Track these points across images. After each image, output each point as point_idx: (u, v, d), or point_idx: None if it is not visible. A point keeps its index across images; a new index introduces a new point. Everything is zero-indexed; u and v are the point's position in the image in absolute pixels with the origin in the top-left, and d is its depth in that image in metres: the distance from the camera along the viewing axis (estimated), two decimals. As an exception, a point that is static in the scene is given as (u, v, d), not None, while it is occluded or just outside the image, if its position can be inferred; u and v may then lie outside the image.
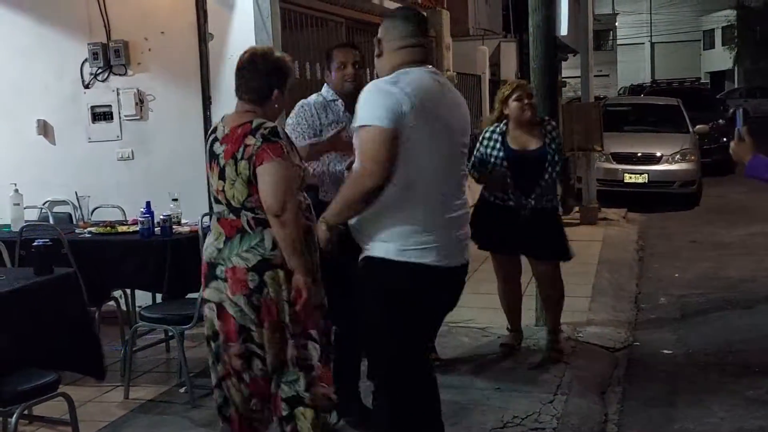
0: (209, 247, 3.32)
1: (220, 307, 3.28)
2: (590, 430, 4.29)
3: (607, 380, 5.10)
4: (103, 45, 6.15)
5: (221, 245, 3.27)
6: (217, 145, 3.27)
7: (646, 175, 12.36)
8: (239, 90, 3.31)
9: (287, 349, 3.31)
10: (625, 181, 12.39)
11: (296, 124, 4.10)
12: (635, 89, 33.78)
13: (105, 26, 6.14)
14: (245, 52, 3.34)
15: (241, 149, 3.19)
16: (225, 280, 3.25)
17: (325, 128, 4.06)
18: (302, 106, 4.14)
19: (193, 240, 4.72)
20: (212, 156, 3.29)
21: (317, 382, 3.35)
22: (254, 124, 3.21)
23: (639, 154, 12.56)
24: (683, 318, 6.57)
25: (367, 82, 3.21)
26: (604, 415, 4.54)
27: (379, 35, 3.15)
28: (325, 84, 4.26)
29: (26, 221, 5.36)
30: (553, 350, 5.23)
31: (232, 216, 3.26)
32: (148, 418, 4.13)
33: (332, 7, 7.26)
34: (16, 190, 5.43)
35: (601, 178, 11.91)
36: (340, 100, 4.14)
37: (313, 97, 4.20)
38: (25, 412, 3.79)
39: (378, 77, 3.14)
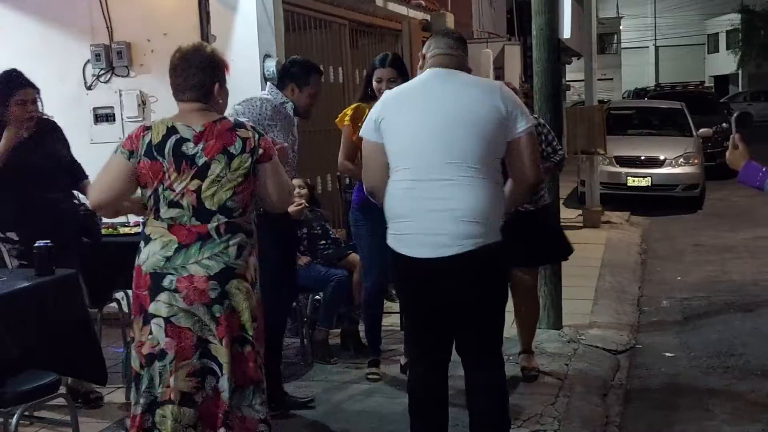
0: (152, 257, 3.09)
1: (168, 322, 3.06)
2: None
3: (609, 383, 5.09)
4: (105, 46, 6.16)
5: (170, 253, 3.07)
6: (188, 145, 3.06)
7: (650, 178, 12.36)
8: (177, 92, 3.15)
9: (250, 365, 3.16)
10: (629, 184, 12.39)
11: (240, 114, 4.15)
12: (639, 93, 33.85)
13: (107, 28, 6.15)
14: (175, 52, 3.20)
15: (238, 142, 3.08)
16: (176, 290, 3.05)
17: (273, 128, 4.19)
18: (251, 100, 4.28)
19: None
20: (181, 157, 3.06)
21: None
22: (232, 119, 3.18)
23: (642, 158, 12.56)
24: (685, 321, 6.57)
25: None
26: (605, 418, 4.53)
27: (423, 50, 3.45)
28: (270, 84, 4.48)
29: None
30: (531, 369, 4.88)
31: (194, 221, 3.08)
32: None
33: (336, 9, 7.28)
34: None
35: (604, 182, 11.88)
36: (290, 103, 4.35)
37: (261, 94, 4.39)
38: (26, 413, 3.75)
39: None
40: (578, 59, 19.26)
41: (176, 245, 3.07)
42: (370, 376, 4.85)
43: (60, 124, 6.38)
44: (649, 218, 11.72)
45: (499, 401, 3.37)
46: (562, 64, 20.09)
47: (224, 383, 3.11)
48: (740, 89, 40.19)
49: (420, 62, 3.44)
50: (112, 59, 6.15)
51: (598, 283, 7.50)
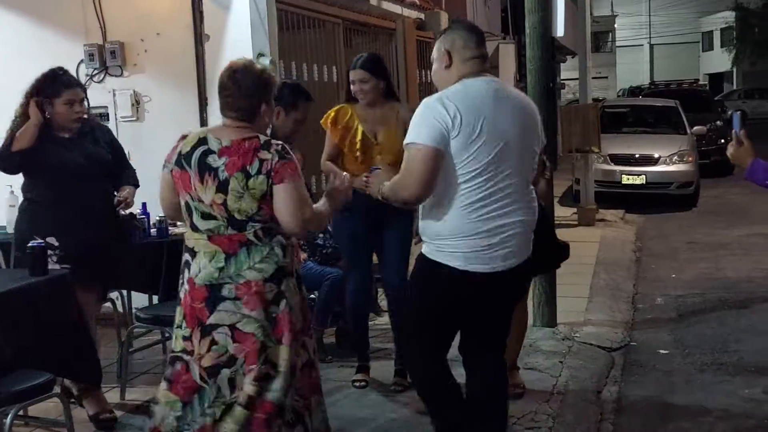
0: (204, 270, 3.11)
1: (234, 329, 3.09)
2: (586, 429, 4.30)
3: (604, 380, 5.11)
4: (99, 46, 6.14)
5: (221, 264, 3.09)
6: (213, 157, 3.10)
7: (644, 176, 12.39)
8: (225, 109, 3.19)
9: (299, 366, 3.20)
10: (623, 182, 12.42)
11: None
12: (634, 91, 33.90)
13: (101, 27, 6.14)
14: (225, 70, 3.22)
15: (255, 163, 3.07)
16: (236, 298, 3.09)
17: None
18: None
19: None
20: (205, 168, 3.11)
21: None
22: (262, 140, 3.15)
23: (637, 156, 12.60)
24: (680, 318, 6.59)
25: None
26: (600, 415, 4.55)
27: (445, 46, 3.31)
28: None
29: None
30: (516, 386, 4.56)
31: (231, 230, 3.11)
32: (144, 419, 4.02)
33: (330, 8, 7.26)
34: (12, 192, 5.43)
35: (599, 180, 11.92)
36: None
37: None
38: (21, 412, 3.75)
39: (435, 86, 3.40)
40: (573, 58, 19.28)
41: (224, 255, 3.10)
42: (356, 384, 4.72)
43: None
44: (643, 216, 11.75)
45: (504, 400, 3.56)
46: (557, 62, 20.12)
47: (277, 383, 3.12)
48: (735, 87, 40.28)
49: (443, 62, 3.31)
50: (106, 59, 6.14)
51: (593, 280, 7.53)
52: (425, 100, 3.25)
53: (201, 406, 3.11)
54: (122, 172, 4.53)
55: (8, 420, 3.45)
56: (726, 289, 7.40)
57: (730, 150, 3.56)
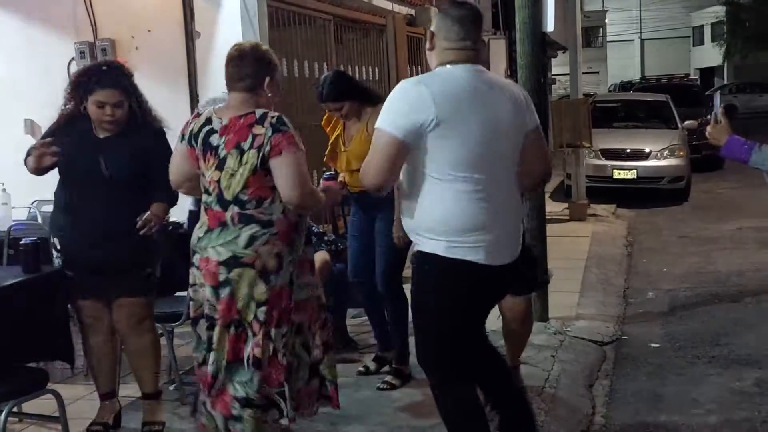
0: (194, 234, 3.41)
1: (195, 291, 3.41)
2: (578, 422, 4.33)
3: (595, 373, 5.16)
4: (90, 44, 6.15)
5: (201, 234, 3.35)
6: (215, 136, 3.29)
7: (635, 171, 12.45)
8: (231, 80, 3.34)
9: (240, 345, 3.32)
10: (614, 177, 12.48)
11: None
12: (625, 86, 33.95)
13: (92, 25, 6.15)
14: (232, 47, 3.41)
15: (249, 139, 3.22)
16: (198, 268, 3.35)
17: None
18: (212, 101, 4.28)
19: (183, 237, 4.70)
20: (208, 147, 3.31)
21: (267, 382, 3.36)
22: (258, 114, 3.26)
23: (628, 151, 12.66)
24: (671, 312, 6.63)
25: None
26: (592, 408, 4.59)
27: (432, 28, 3.22)
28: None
29: (14, 220, 5.39)
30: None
31: (218, 208, 3.30)
32: (138, 415, 4.11)
33: (320, 4, 7.26)
34: (4, 190, 5.47)
35: (590, 175, 11.98)
36: None
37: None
38: (15, 409, 3.77)
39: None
40: (564, 53, 19.31)
41: (206, 227, 3.34)
42: (381, 386, 4.65)
43: (44, 121, 6.32)
44: (634, 211, 11.82)
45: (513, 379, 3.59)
46: (548, 57, 20.12)
47: (210, 357, 3.36)
48: (725, 81, 40.36)
49: (428, 43, 3.22)
50: (97, 56, 6.12)
51: (585, 275, 7.57)
52: (402, 83, 3.13)
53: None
54: (155, 186, 3.94)
55: (2, 417, 3.46)
56: (717, 283, 7.45)
57: (708, 129, 3.69)
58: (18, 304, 3.72)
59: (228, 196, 3.27)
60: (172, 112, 6.09)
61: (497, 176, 3.14)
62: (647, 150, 12.58)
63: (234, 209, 3.27)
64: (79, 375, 4.72)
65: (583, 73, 13.17)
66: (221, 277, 3.28)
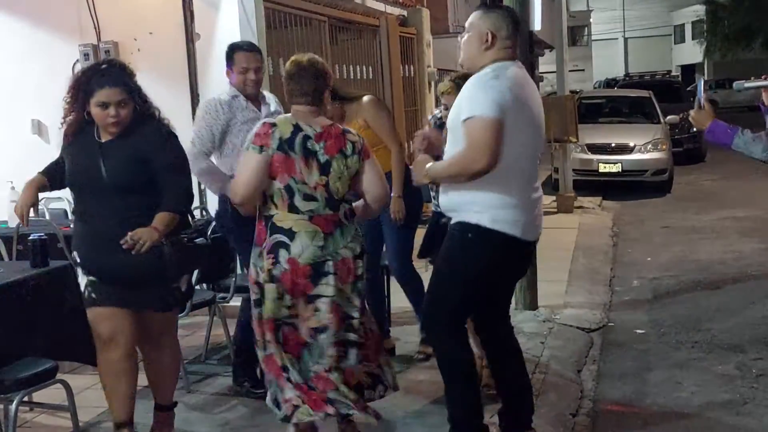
0: (307, 249, 3.39)
1: (333, 301, 3.44)
2: (567, 406, 4.38)
3: (583, 359, 5.23)
4: (93, 46, 6.22)
5: (321, 242, 3.41)
6: (311, 142, 3.42)
7: (620, 164, 12.55)
8: (294, 95, 3.50)
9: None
10: (600, 170, 12.59)
11: (200, 118, 4.32)
12: (610, 83, 34.12)
13: (95, 27, 6.21)
14: (290, 62, 3.56)
15: (349, 146, 3.49)
16: (334, 273, 3.43)
17: (233, 126, 4.28)
18: (208, 102, 4.36)
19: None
20: (308, 153, 3.41)
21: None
22: (340, 126, 3.58)
23: (613, 145, 12.75)
24: (655, 299, 6.70)
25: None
26: (580, 392, 4.65)
27: (491, 28, 3.41)
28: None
29: (23, 217, 5.44)
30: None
31: (328, 211, 3.45)
32: (144, 404, 3.92)
33: (315, 6, 7.32)
34: (13, 188, 5.53)
35: (576, 168, 12.10)
36: (241, 96, 4.34)
37: (218, 95, 4.38)
38: (25, 398, 3.77)
39: (464, 66, 3.56)
40: (550, 51, 19.47)
41: (323, 234, 3.43)
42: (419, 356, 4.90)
43: (50, 121, 6.34)
44: (620, 203, 11.89)
45: (521, 357, 3.82)
46: (535, 56, 20.31)
47: (352, 352, 3.52)
48: (706, 77, 40.61)
49: (487, 42, 3.41)
50: (101, 58, 6.21)
51: (572, 265, 7.63)
52: (480, 77, 3.37)
53: (311, 357, 3.48)
54: (164, 192, 3.56)
55: (13, 406, 3.50)
56: (699, 271, 7.52)
57: (692, 114, 3.86)
58: (26, 298, 3.68)
59: (338, 196, 3.47)
60: (173, 112, 6.21)
61: (534, 165, 3.51)
62: (631, 144, 12.70)
63: (344, 207, 3.51)
64: (87, 365, 4.74)
65: (570, 71, 13.32)
66: (359, 271, 3.50)
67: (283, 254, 3.41)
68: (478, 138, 3.26)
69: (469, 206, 3.40)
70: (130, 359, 3.67)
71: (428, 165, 3.52)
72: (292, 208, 3.43)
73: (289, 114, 3.54)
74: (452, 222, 3.52)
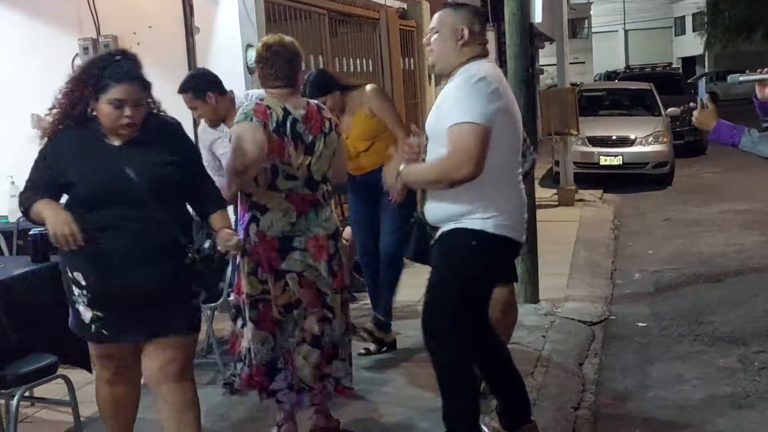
0: (276, 223, 3.49)
1: (302, 276, 3.54)
2: (569, 399, 4.38)
3: (585, 352, 5.24)
4: (93, 40, 6.19)
5: (293, 219, 3.51)
6: (299, 125, 3.51)
7: (621, 157, 12.56)
8: (269, 79, 3.54)
9: (348, 314, 3.76)
10: (601, 163, 12.59)
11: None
12: (610, 75, 34.08)
13: (94, 21, 6.19)
14: (261, 45, 3.58)
15: (327, 124, 3.59)
16: (305, 249, 3.52)
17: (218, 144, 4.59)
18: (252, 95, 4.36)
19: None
20: (296, 136, 3.51)
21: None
22: (313, 103, 3.65)
23: (614, 137, 12.77)
24: (657, 292, 6.72)
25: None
26: (582, 385, 4.66)
27: (465, 24, 3.32)
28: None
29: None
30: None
31: (306, 191, 3.53)
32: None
33: (315, -1, 7.37)
34: (13, 183, 5.53)
35: (577, 161, 12.10)
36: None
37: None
38: (27, 393, 3.78)
39: (437, 67, 3.40)
40: (551, 44, 19.44)
41: (295, 213, 3.51)
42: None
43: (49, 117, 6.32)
44: (621, 195, 11.91)
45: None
46: (535, 48, 20.28)
47: (335, 325, 3.65)
48: (706, 70, 40.51)
49: (463, 38, 3.31)
50: (100, 52, 6.22)
51: (573, 258, 7.65)
52: (467, 80, 3.22)
53: (283, 335, 3.60)
54: (203, 193, 3.25)
55: (15, 401, 3.52)
56: (700, 264, 7.53)
57: (695, 114, 3.81)
58: (26, 293, 3.76)
59: (318, 177, 3.55)
60: (173, 106, 6.21)
61: (517, 164, 3.48)
62: (632, 137, 12.71)
63: (323, 188, 3.58)
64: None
65: (570, 63, 13.28)
66: (331, 249, 3.58)
67: (252, 228, 3.52)
68: (464, 145, 3.14)
69: (471, 214, 3.29)
70: (135, 391, 3.38)
71: (402, 168, 3.39)
72: (272, 186, 3.51)
73: (274, 97, 3.55)
74: (446, 230, 3.36)
